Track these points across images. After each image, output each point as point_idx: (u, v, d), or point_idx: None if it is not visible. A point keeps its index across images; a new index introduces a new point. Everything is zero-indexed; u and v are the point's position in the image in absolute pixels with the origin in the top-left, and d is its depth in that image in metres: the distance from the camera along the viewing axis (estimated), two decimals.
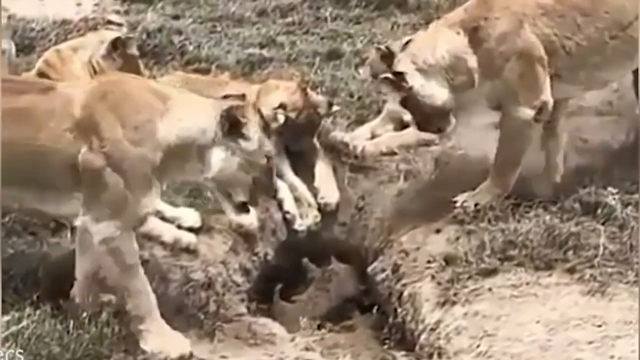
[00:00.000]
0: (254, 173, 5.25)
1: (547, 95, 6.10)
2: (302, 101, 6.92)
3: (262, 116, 5.39)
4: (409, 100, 6.21)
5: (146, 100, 5.17)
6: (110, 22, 7.31)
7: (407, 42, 6.35)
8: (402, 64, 6.20)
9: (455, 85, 6.13)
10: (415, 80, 6.13)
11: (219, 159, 5.17)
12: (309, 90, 7.16)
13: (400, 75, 6.14)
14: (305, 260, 6.64)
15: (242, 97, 5.44)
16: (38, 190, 5.18)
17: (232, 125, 5.16)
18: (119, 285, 5.14)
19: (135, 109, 5.12)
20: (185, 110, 5.17)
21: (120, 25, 7.20)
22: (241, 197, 5.31)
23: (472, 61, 6.11)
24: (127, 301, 5.12)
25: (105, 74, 5.73)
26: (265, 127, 5.31)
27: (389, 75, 6.20)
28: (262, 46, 9.29)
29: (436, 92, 6.14)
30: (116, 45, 6.65)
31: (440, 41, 6.16)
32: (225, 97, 5.41)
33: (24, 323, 4.95)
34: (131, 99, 5.17)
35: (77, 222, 5.15)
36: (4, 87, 5.21)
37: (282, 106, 6.67)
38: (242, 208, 5.38)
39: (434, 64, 6.14)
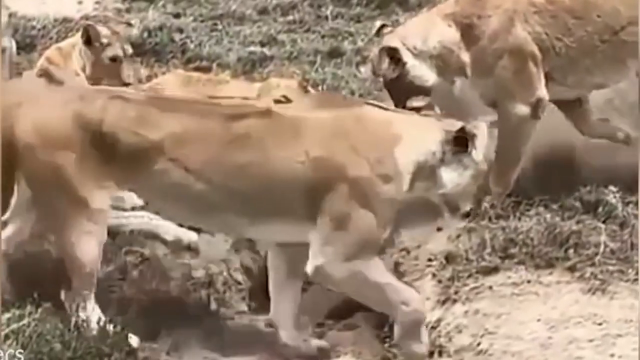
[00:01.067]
0: (480, 180, 5.27)
1: (542, 92, 6.11)
2: None
3: None
4: (397, 82, 6.17)
5: (378, 131, 5.11)
6: (123, 23, 7.32)
7: (381, 27, 6.36)
8: (393, 43, 6.20)
9: (446, 72, 6.13)
10: (408, 58, 6.14)
11: (453, 175, 5.15)
12: (310, 88, 7.16)
13: (394, 50, 6.14)
14: None
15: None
16: (257, 217, 5.10)
17: (461, 142, 5.12)
18: (379, 301, 5.16)
19: (373, 143, 5.07)
20: (414, 134, 5.12)
21: (130, 25, 7.21)
22: (467, 207, 5.32)
23: (464, 55, 6.12)
24: (399, 308, 5.10)
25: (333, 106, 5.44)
26: None
27: (387, 45, 6.18)
28: (263, 44, 9.30)
29: (426, 73, 6.15)
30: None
31: (432, 32, 6.16)
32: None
33: (25, 321, 4.95)
34: (369, 133, 5.10)
35: (317, 261, 5.07)
36: (222, 113, 5.12)
37: None
38: (466, 216, 5.45)
39: (424, 50, 6.14)
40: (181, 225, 6.08)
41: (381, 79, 6.33)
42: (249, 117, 5.11)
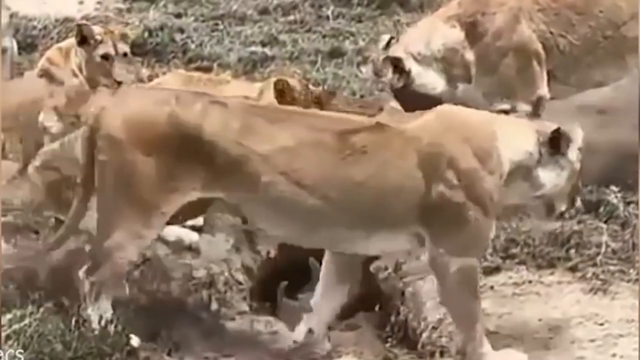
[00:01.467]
0: (574, 180, 5.23)
1: (543, 90, 6.13)
2: None
3: None
4: (404, 90, 6.19)
5: (482, 127, 5.09)
6: (122, 23, 7.32)
7: (390, 40, 6.36)
8: (397, 53, 6.21)
9: (451, 76, 6.14)
10: (412, 66, 6.14)
11: (551, 175, 5.13)
12: (311, 88, 7.16)
13: (398, 60, 6.15)
14: (311, 259, 6.63)
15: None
16: (372, 229, 5.04)
17: (556, 143, 5.11)
18: (466, 313, 5.06)
19: (480, 136, 5.04)
20: (508, 133, 5.10)
21: (127, 24, 7.21)
22: (562, 207, 5.30)
23: (468, 55, 6.13)
24: (476, 327, 5.03)
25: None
26: None
27: (391, 55, 6.18)
28: (264, 44, 9.28)
29: (433, 80, 6.16)
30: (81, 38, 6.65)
31: (435, 35, 6.18)
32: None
33: (26, 321, 4.95)
34: (472, 126, 5.08)
35: (431, 255, 5.03)
36: (334, 127, 5.00)
37: None
38: (561, 216, 5.45)
39: (428, 55, 6.15)
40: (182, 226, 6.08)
41: (382, 81, 6.35)
42: (361, 131, 5.01)
